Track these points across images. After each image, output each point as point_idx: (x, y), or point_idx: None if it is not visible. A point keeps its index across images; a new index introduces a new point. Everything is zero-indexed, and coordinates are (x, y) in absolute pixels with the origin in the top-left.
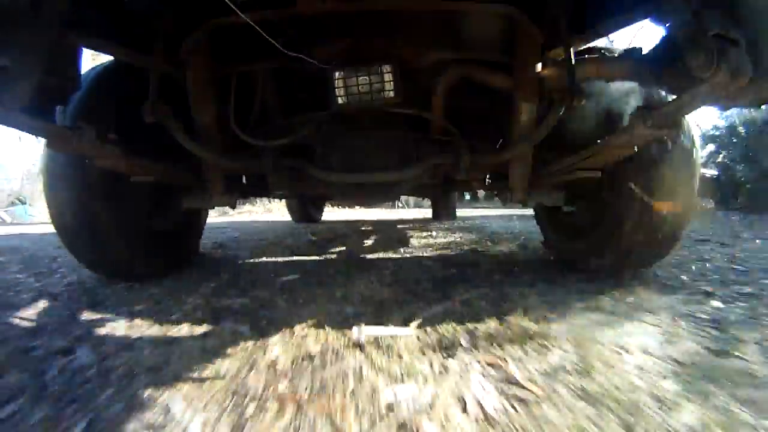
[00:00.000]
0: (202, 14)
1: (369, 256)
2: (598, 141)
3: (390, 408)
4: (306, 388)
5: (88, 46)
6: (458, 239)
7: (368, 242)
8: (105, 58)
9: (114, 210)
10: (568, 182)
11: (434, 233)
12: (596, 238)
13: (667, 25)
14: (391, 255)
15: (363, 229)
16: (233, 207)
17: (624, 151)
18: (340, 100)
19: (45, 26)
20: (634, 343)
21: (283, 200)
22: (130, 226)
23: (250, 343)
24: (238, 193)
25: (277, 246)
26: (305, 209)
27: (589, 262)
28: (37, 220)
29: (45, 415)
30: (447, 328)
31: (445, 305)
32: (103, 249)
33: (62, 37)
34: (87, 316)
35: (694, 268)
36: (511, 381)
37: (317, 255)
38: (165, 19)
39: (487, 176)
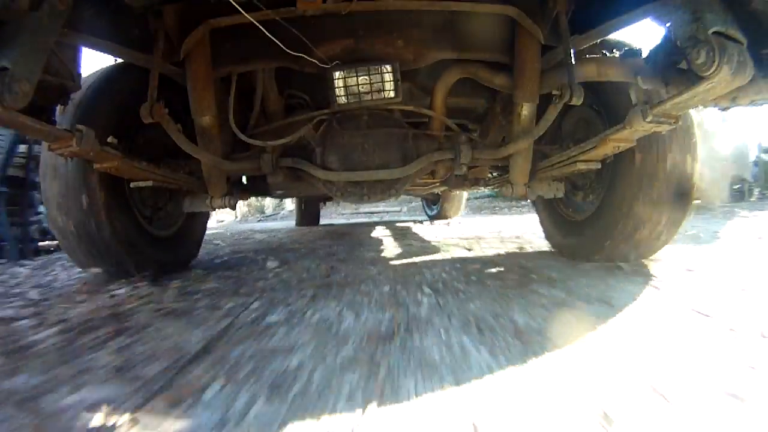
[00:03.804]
0: (202, 14)
1: None
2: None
3: None
4: None
5: (88, 46)
6: None
7: None
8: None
9: (113, 216)
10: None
11: None
12: (597, 231)
13: (668, 24)
14: None
15: None
16: (233, 209)
17: (623, 144)
18: (340, 100)
19: (45, 26)
20: None
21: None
22: (128, 232)
23: None
24: (238, 194)
25: None
26: (308, 213)
27: (590, 254)
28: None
29: None
30: None
31: None
32: (101, 254)
33: (62, 37)
34: None
35: None
36: None
37: None
38: (165, 19)
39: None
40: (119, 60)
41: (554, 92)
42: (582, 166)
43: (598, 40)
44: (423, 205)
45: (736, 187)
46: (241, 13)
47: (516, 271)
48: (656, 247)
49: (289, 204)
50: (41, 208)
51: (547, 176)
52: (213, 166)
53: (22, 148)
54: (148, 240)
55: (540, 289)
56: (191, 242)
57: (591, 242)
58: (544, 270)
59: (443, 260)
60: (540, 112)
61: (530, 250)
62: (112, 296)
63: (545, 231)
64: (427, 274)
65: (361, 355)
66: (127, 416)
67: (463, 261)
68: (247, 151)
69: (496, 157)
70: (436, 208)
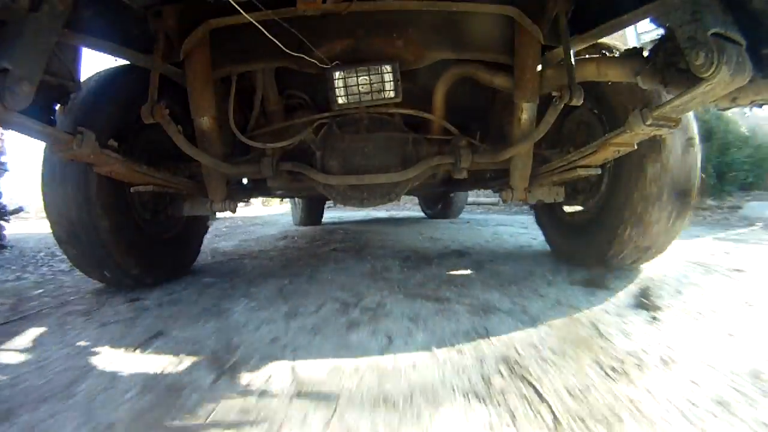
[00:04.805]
0: (201, 14)
1: None
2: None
3: None
4: None
5: (88, 46)
6: None
7: None
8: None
9: (114, 219)
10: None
11: None
12: (596, 235)
13: (667, 25)
14: None
15: None
16: (234, 212)
17: (624, 148)
18: (340, 101)
19: (45, 27)
20: None
21: None
22: (129, 236)
23: None
24: (239, 196)
25: None
26: (311, 212)
27: (588, 258)
28: None
29: None
30: None
31: None
32: (102, 259)
33: (62, 37)
34: None
35: None
36: None
37: None
38: (165, 19)
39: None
40: (119, 61)
41: (554, 93)
42: (582, 172)
43: (598, 41)
44: (420, 204)
45: None
46: (240, 13)
47: None
48: (656, 251)
49: None
50: None
51: (548, 180)
52: (213, 169)
53: None
54: (149, 243)
55: None
56: (192, 244)
57: (590, 246)
58: None
59: None
60: (540, 115)
61: None
62: None
63: (545, 234)
64: None
65: None
66: None
67: None
68: (247, 152)
69: (496, 160)
70: (436, 207)
